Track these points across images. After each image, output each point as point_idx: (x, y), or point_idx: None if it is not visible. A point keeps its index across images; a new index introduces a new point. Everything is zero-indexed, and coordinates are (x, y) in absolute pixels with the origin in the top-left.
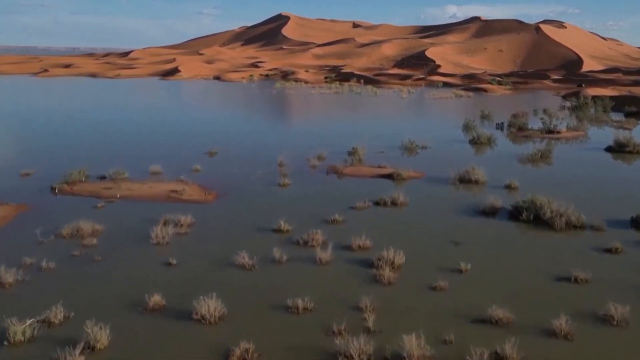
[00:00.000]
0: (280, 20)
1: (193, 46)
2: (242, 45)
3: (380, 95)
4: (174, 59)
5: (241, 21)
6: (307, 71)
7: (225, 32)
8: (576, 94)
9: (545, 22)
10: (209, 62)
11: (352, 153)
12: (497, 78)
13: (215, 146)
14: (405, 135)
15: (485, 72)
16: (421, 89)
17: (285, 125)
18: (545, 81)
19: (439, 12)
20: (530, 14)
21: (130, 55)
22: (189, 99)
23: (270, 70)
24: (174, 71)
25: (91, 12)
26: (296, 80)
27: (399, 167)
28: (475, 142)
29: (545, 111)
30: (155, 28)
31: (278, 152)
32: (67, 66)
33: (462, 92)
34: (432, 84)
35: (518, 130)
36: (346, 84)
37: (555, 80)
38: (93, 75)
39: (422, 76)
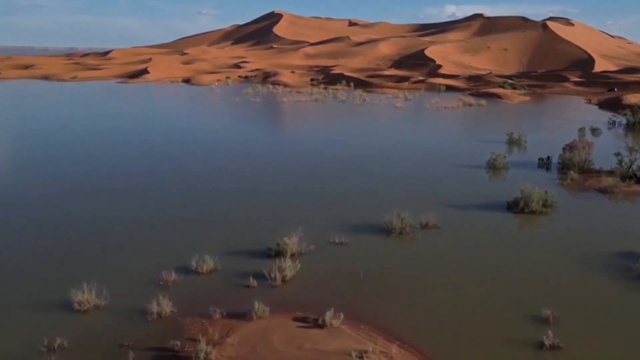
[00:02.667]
0: (273, 18)
1: (181, 45)
2: (232, 44)
3: (370, 104)
4: (150, 59)
5: (239, 21)
6: (293, 72)
7: (216, 30)
8: (618, 103)
9: (551, 19)
10: (188, 62)
11: (275, 254)
12: (509, 80)
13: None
14: (394, 184)
15: (490, 72)
16: (421, 93)
17: (199, 167)
18: (565, 84)
19: (438, 11)
20: (529, 14)
21: (109, 54)
22: (107, 111)
23: (252, 71)
24: (142, 73)
25: (90, 12)
26: (274, 83)
27: (370, 330)
28: (519, 208)
29: (594, 131)
30: (155, 28)
31: (121, 252)
32: (27, 67)
33: (472, 100)
34: (433, 88)
35: (581, 173)
36: (333, 88)
37: (576, 83)
38: (46, 78)
39: (421, 78)
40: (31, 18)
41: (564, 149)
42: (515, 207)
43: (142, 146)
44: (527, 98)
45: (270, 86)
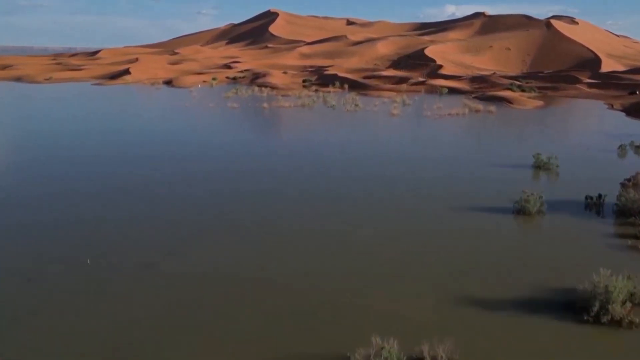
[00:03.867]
0: (269, 17)
1: (175, 44)
2: (227, 44)
3: (362, 110)
4: (137, 59)
5: (238, 21)
6: (285, 73)
7: (211, 29)
8: None
9: (554, 17)
10: (176, 62)
11: None
12: (516, 82)
13: None
14: (375, 256)
15: (494, 73)
16: (420, 97)
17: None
18: (578, 86)
19: (438, 11)
20: (529, 13)
21: (98, 54)
22: (36, 117)
23: (241, 72)
24: (124, 73)
25: (90, 12)
26: (262, 85)
27: None
28: (592, 313)
29: (638, 148)
30: (155, 28)
31: None
32: (5, 68)
33: (479, 105)
34: (433, 90)
35: None
36: (324, 90)
37: (590, 85)
38: (19, 79)
39: (421, 79)
40: (31, 18)
41: (623, 185)
42: (585, 308)
43: (38, 165)
44: (540, 102)
45: (257, 88)
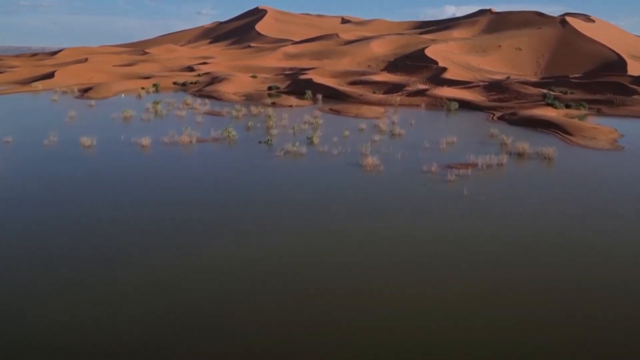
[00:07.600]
0: (256, 14)
1: (155, 43)
2: (210, 42)
3: (314, 152)
4: (86, 59)
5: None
6: (254, 77)
7: (197, 27)
8: None
9: (568, 15)
10: (132, 64)
11: None
12: (550, 92)
13: None
14: None
15: (508, 77)
16: (419, 115)
17: None
18: (637, 97)
19: (438, 12)
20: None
21: (59, 54)
22: None
23: (199, 75)
24: (47, 77)
25: (90, 12)
26: (207, 96)
27: None
28: None
29: None
30: (154, 28)
31: None
32: None
33: (523, 144)
34: (437, 103)
35: None
36: (285, 104)
37: None
38: None
39: (422, 87)
40: (31, 18)
41: None
42: None
43: None
44: (615, 133)
45: (191, 100)
